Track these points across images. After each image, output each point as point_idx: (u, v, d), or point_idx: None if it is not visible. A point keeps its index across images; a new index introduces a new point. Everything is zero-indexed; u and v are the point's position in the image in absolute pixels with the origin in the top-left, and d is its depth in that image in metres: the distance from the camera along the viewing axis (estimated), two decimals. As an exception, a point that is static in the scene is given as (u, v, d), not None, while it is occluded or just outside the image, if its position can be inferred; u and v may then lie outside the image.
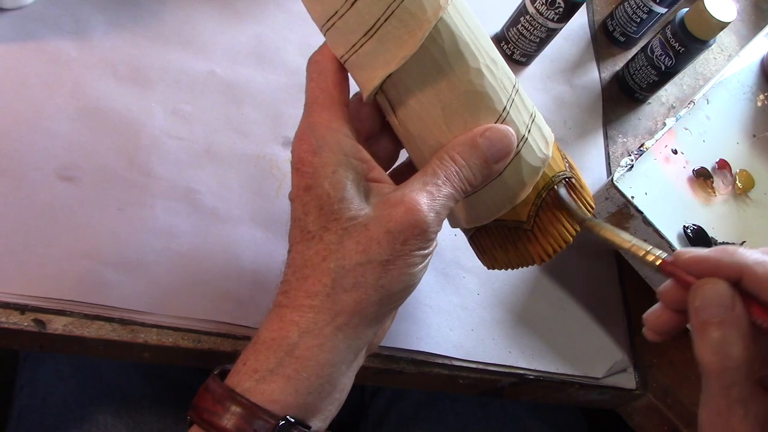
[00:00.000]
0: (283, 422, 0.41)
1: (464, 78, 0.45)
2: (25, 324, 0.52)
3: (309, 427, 0.43)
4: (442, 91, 0.45)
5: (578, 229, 0.52)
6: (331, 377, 0.43)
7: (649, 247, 0.46)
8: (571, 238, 0.52)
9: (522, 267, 0.54)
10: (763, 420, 0.40)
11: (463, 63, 0.45)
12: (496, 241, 0.53)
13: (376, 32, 0.44)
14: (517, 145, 0.48)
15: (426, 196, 0.43)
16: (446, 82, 0.45)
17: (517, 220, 0.51)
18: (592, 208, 0.54)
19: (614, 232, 0.48)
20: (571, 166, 0.54)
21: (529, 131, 0.49)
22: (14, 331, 0.52)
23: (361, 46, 0.44)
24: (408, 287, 0.44)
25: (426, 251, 0.44)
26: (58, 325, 0.53)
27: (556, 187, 0.51)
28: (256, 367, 0.42)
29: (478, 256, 0.56)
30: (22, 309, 0.52)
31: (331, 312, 0.42)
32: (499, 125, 0.46)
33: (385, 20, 0.43)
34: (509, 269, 0.54)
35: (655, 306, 0.47)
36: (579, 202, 0.52)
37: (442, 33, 0.44)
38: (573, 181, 0.52)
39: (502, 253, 0.53)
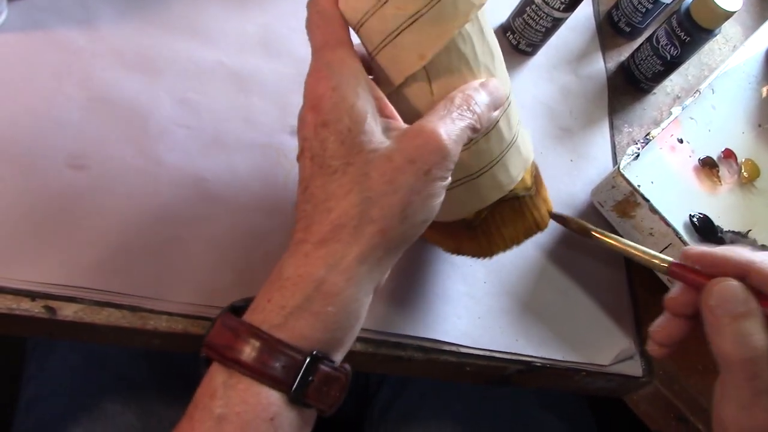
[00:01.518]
0: (311, 357, 0.42)
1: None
2: (36, 311, 0.52)
3: (333, 361, 0.43)
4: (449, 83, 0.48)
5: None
6: (356, 311, 0.44)
7: (656, 253, 0.49)
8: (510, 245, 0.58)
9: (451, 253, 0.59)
10: None
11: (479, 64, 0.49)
12: (443, 232, 0.57)
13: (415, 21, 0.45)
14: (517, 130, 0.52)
15: (443, 127, 0.44)
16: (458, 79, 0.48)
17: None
18: (545, 224, 0.59)
19: (622, 240, 0.53)
20: (537, 182, 0.58)
21: (509, 150, 0.53)
22: (25, 317, 0.52)
23: (399, 33, 0.45)
24: (428, 219, 0.45)
25: (446, 182, 0.45)
26: (68, 311, 0.53)
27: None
28: (282, 304, 0.42)
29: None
30: (33, 296, 0.52)
31: (358, 244, 0.43)
32: (491, 79, 0.49)
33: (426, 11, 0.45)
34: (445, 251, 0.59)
35: (661, 318, 0.48)
36: (530, 217, 0.57)
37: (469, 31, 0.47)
38: (527, 198, 0.56)
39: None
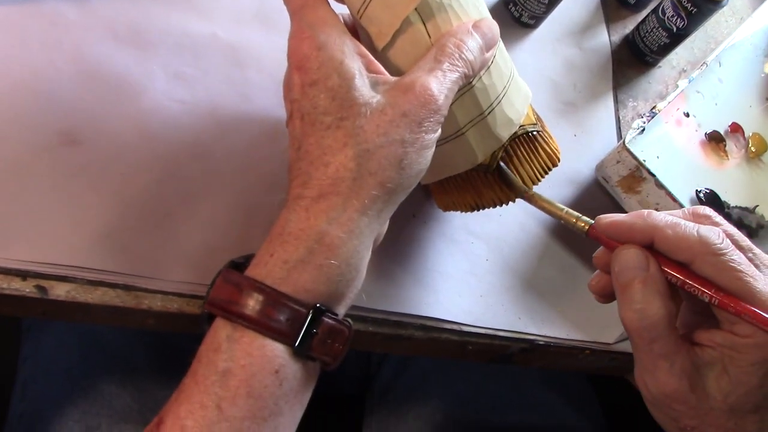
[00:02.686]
0: (314, 310, 0.42)
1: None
2: (27, 290, 0.51)
3: (336, 314, 0.44)
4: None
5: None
6: (357, 264, 0.44)
7: (579, 215, 0.50)
8: (535, 181, 0.56)
9: (484, 208, 0.57)
10: (690, 372, 0.43)
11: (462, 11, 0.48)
12: (457, 184, 0.56)
13: None
14: (497, 99, 0.51)
15: (435, 80, 0.44)
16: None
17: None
18: (558, 159, 0.57)
19: (550, 202, 0.53)
20: (539, 120, 0.58)
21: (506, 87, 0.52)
22: (16, 297, 0.51)
23: None
24: (423, 170, 0.45)
25: (436, 134, 0.45)
26: (60, 291, 0.52)
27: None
28: (285, 258, 0.42)
29: (436, 198, 0.59)
30: (24, 275, 0.51)
31: (358, 196, 0.43)
32: (484, 19, 0.49)
33: None
34: (468, 211, 0.57)
35: (596, 272, 0.50)
36: (543, 152, 0.56)
37: None
38: (536, 133, 0.56)
39: (465, 195, 0.56)
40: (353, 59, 0.44)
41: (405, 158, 0.43)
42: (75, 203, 0.54)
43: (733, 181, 0.73)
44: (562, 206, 0.52)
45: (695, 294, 0.43)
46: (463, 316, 0.61)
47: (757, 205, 0.72)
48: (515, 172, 0.55)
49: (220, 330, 0.42)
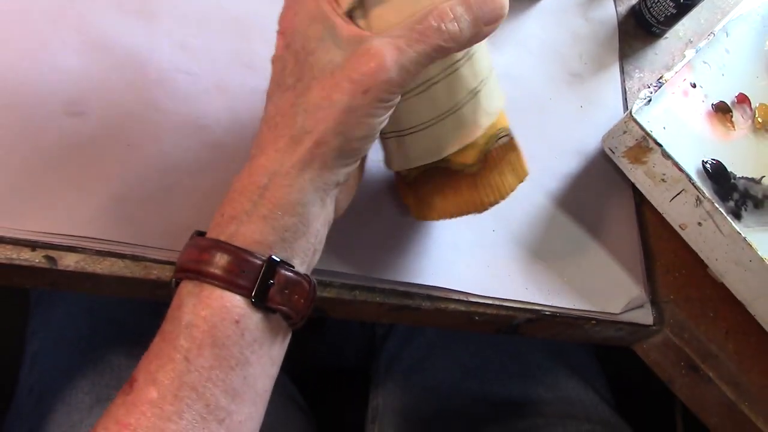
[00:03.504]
0: (269, 261, 0.43)
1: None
2: (37, 261, 0.51)
3: (293, 266, 0.45)
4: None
5: (523, 180, 0.55)
6: (303, 217, 0.44)
7: None
8: (509, 191, 0.54)
9: (457, 216, 0.54)
10: None
11: None
12: (436, 186, 0.54)
13: None
14: (477, 87, 0.50)
15: (394, 50, 0.43)
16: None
17: (463, 163, 0.52)
18: (526, 173, 0.56)
19: None
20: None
21: (487, 79, 0.51)
22: (25, 267, 0.51)
23: None
24: (367, 137, 0.45)
25: (387, 104, 0.44)
26: (69, 261, 0.52)
27: (505, 136, 0.53)
28: (233, 214, 0.44)
29: (411, 206, 0.56)
30: (33, 245, 0.51)
31: (296, 153, 0.44)
32: None
33: None
34: (442, 218, 0.55)
35: None
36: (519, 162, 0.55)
37: None
38: (514, 140, 0.54)
39: (441, 200, 0.54)
40: (322, 22, 0.44)
41: (343, 124, 0.43)
42: (82, 174, 0.54)
43: (739, 152, 0.73)
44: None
45: None
46: (469, 286, 0.61)
47: (764, 176, 0.72)
48: (499, 175, 0.54)
49: (182, 288, 0.44)
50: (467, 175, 0.53)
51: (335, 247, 0.58)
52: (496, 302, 0.62)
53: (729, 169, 0.71)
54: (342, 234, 0.58)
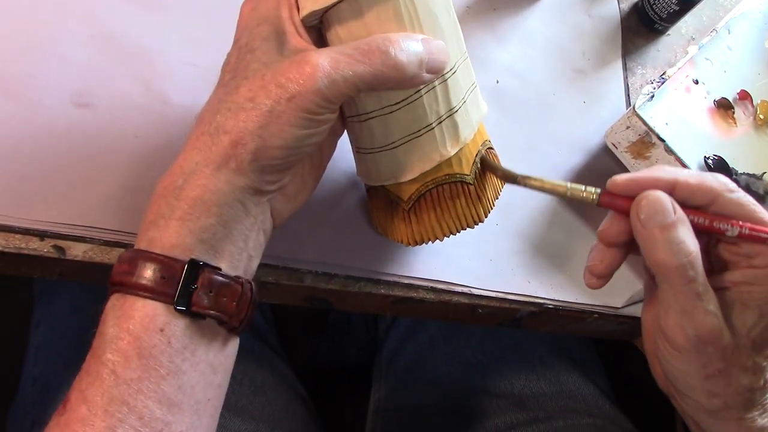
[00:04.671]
0: (190, 264, 0.42)
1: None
2: (45, 250, 0.52)
3: (219, 269, 0.43)
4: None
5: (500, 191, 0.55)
6: (222, 218, 0.43)
7: (584, 186, 0.48)
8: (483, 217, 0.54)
9: (456, 232, 0.53)
10: (720, 311, 0.44)
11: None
12: (431, 205, 0.52)
13: None
14: (456, 107, 0.49)
15: (329, 62, 0.42)
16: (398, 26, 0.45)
17: (462, 178, 0.51)
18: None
19: (550, 181, 0.50)
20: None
21: (465, 101, 0.50)
22: (34, 257, 0.52)
23: None
24: (288, 147, 0.43)
25: (315, 117, 0.43)
26: (77, 251, 0.52)
27: (484, 153, 0.53)
28: (151, 219, 0.43)
29: (408, 233, 0.54)
30: (42, 235, 0.52)
31: (211, 152, 0.43)
32: (436, 41, 0.46)
33: None
34: (442, 237, 0.53)
35: (595, 251, 0.49)
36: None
37: None
38: (493, 150, 0.54)
39: (434, 218, 0.52)
40: (272, 24, 0.44)
41: (264, 128, 0.42)
42: (91, 164, 0.54)
43: (741, 148, 0.73)
44: (563, 182, 0.49)
45: (720, 231, 0.45)
46: (473, 280, 0.62)
47: (765, 172, 0.72)
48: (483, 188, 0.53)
49: (108, 303, 0.43)
50: (466, 187, 0.52)
51: (340, 242, 0.58)
52: (500, 295, 0.62)
53: (731, 165, 0.71)
54: (348, 228, 0.58)
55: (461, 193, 0.52)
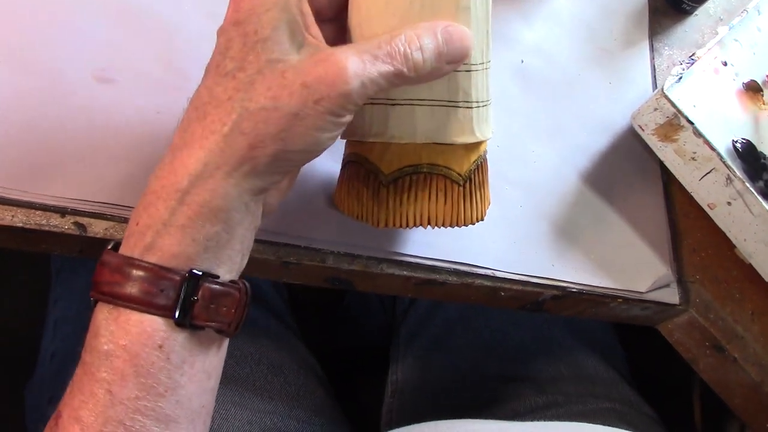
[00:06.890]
0: (189, 276, 0.40)
1: None
2: (66, 227, 0.51)
3: (217, 277, 0.41)
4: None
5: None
6: (227, 224, 0.41)
7: None
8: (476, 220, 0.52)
9: (440, 225, 0.51)
10: None
11: None
12: (423, 190, 0.50)
13: None
14: (482, 101, 0.48)
15: (357, 63, 0.40)
16: None
17: (458, 173, 0.50)
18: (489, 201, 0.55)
19: None
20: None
21: (487, 105, 0.49)
22: (55, 234, 0.51)
23: None
24: (308, 151, 0.42)
25: (339, 119, 0.41)
26: (98, 228, 0.52)
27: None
28: (149, 223, 0.40)
29: (374, 211, 0.51)
30: (63, 212, 0.51)
31: (224, 154, 0.40)
32: (462, 26, 0.44)
33: None
34: (418, 225, 0.51)
35: None
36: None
37: None
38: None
39: (428, 204, 0.50)
40: (284, 11, 0.40)
41: (287, 131, 0.40)
42: (112, 140, 0.53)
43: (770, 132, 0.72)
44: None
45: None
46: (496, 262, 0.61)
47: (794, 156, 0.71)
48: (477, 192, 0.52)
49: (98, 313, 0.41)
50: (457, 185, 0.50)
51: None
52: (523, 278, 0.62)
53: (759, 149, 0.70)
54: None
55: (449, 189, 0.50)
